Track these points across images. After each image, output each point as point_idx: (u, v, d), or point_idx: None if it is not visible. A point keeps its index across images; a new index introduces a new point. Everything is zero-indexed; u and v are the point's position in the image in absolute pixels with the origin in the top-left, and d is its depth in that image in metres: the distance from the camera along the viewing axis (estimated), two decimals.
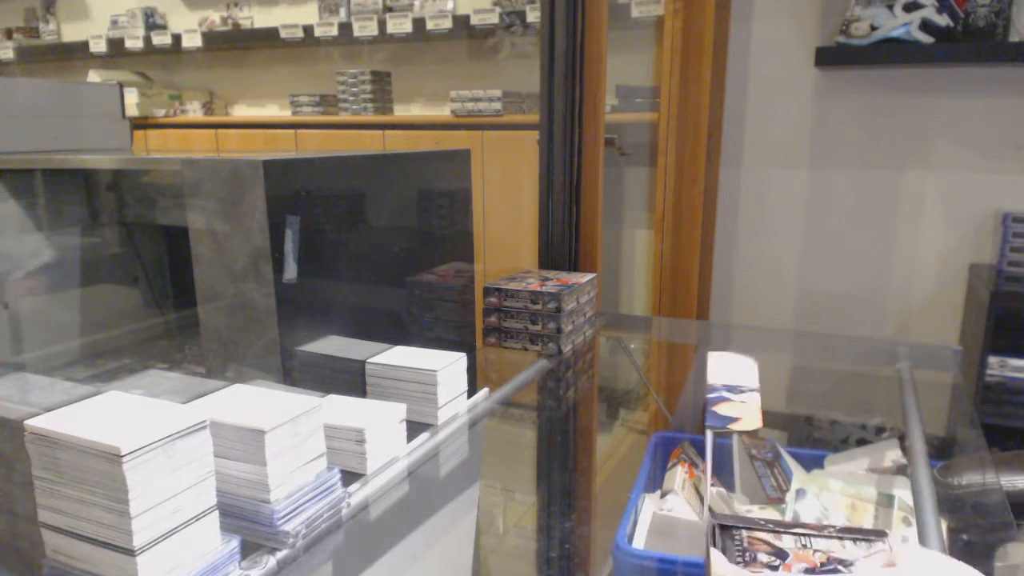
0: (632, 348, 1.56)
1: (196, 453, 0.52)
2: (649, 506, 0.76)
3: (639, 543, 0.71)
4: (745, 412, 0.71)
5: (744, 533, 0.52)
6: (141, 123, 3.41)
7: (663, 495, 0.78)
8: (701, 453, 0.89)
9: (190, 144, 3.29)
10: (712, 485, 0.81)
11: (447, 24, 2.78)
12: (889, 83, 2.00)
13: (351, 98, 3.05)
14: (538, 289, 1.21)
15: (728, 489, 0.82)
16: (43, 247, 1.07)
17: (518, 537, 0.88)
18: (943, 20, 1.81)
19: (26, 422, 0.51)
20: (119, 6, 3.60)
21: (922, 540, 0.65)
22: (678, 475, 0.80)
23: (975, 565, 0.50)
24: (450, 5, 2.83)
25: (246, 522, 0.59)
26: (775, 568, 0.48)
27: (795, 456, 0.87)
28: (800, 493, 0.73)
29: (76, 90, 1.26)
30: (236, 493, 0.59)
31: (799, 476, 0.78)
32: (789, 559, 0.49)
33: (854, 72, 2.04)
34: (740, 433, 0.89)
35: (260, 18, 3.36)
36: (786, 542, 0.51)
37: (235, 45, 3.46)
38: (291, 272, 0.78)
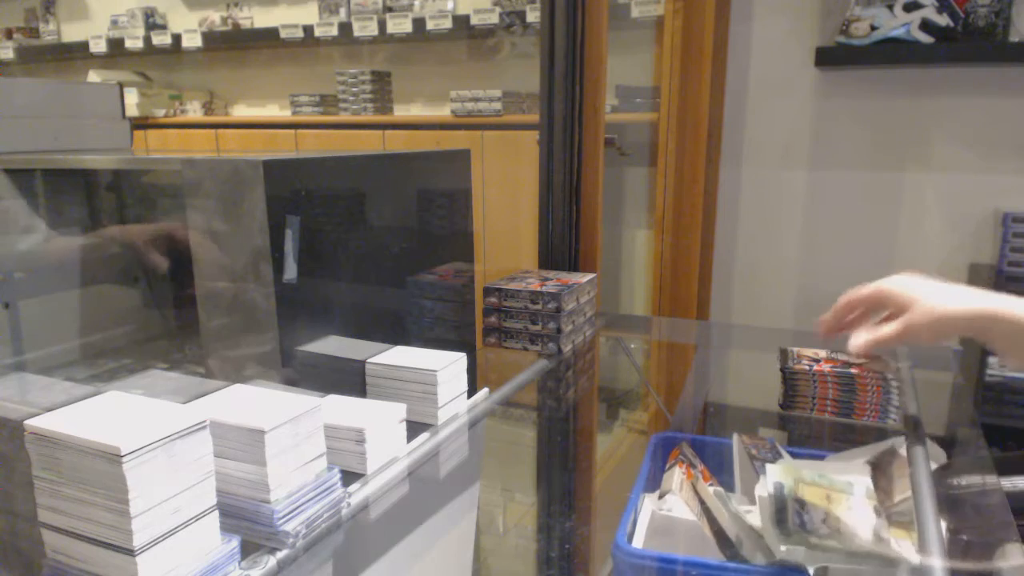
0: (632, 348, 1.56)
1: (196, 453, 0.52)
2: (648, 506, 0.76)
3: (638, 543, 0.71)
4: None
5: None
6: (141, 123, 3.42)
7: (661, 495, 0.78)
8: (699, 454, 0.89)
9: (190, 144, 3.30)
10: (710, 485, 0.80)
11: (447, 24, 2.78)
12: (889, 83, 2.00)
13: (351, 98, 3.05)
14: (538, 289, 1.21)
15: (728, 489, 0.82)
16: (43, 247, 1.07)
17: (518, 537, 0.88)
18: (943, 20, 1.81)
19: (26, 422, 0.51)
20: (119, 6, 3.60)
21: (921, 540, 0.65)
22: (676, 476, 0.80)
23: (975, 565, 0.50)
24: (450, 5, 2.83)
25: (246, 522, 0.59)
26: None
27: (795, 456, 0.87)
28: (777, 486, 0.71)
29: (76, 90, 1.26)
30: (236, 493, 0.59)
31: (772, 468, 0.73)
32: None
33: (854, 72, 2.04)
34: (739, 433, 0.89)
35: (260, 18, 3.36)
36: None
37: (235, 45, 3.46)
38: (291, 272, 0.78)
